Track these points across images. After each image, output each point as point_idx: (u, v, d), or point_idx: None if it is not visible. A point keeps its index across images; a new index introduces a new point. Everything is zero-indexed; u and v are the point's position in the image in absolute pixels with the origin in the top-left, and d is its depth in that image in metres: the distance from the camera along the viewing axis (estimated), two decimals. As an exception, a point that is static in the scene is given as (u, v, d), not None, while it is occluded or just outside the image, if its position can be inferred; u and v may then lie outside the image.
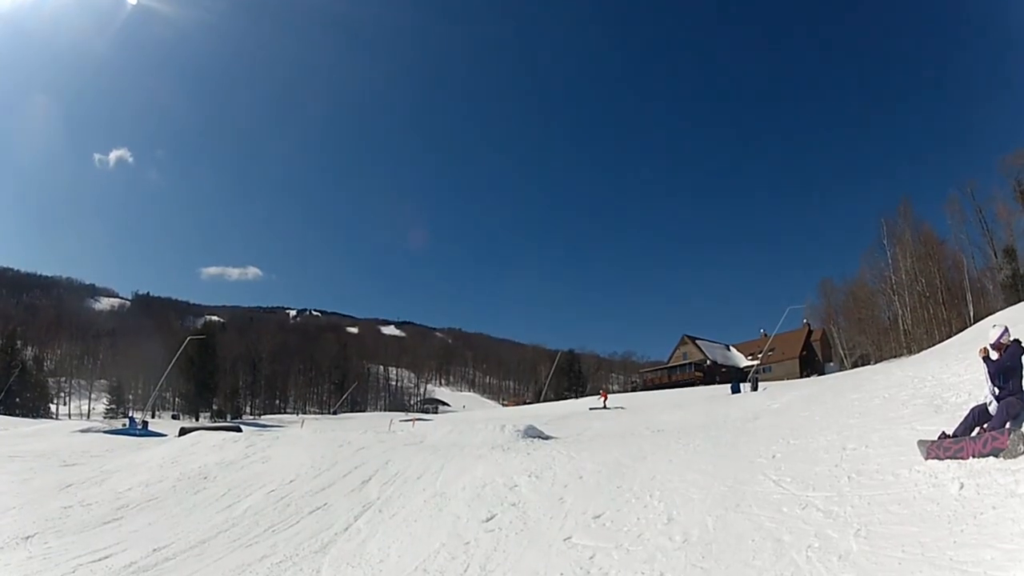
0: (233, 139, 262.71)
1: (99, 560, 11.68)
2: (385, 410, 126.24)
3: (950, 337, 40.99)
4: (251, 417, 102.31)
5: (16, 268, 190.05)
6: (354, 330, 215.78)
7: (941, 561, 5.75)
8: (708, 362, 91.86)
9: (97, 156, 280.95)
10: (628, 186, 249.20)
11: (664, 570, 7.46)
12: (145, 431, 46.58)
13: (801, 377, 71.24)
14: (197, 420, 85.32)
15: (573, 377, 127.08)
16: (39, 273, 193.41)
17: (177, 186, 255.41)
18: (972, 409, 8.29)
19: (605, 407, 42.27)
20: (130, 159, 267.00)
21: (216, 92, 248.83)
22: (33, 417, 79.12)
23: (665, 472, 11.34)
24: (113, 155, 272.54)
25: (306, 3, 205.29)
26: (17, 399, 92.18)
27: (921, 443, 8.49)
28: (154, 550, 12.19)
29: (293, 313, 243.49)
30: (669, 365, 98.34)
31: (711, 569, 7.11)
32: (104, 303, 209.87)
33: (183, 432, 32.87)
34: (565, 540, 9.36)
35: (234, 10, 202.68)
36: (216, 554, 11.91)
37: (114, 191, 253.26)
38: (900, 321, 63.99)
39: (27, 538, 13.17)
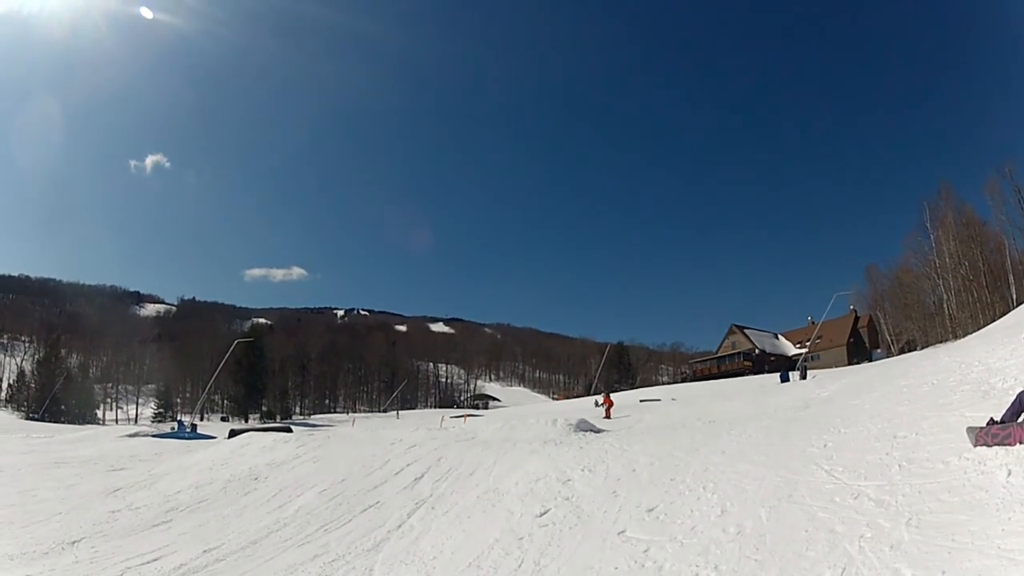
0: (270, 140, 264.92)
1: (148, 563, 11.75)
2: (436, 407, 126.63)
3: (994, 321, 40.48)
4: (301, 417, 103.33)
5: (58, 279, 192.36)
6: (403, 328, 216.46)
7: (990, 550, 5.76)
8: (757, 351, 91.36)
9: (133, 163, 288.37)
10: (672, 179, 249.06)
11: (718, 562, 7.45)
12: (194, 434, 46.81)
13: (849, 364, 70.47)
14: (247, 422, 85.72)
15: (623, 369, 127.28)
16: (82, 282, 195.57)
17: (216, 188, 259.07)
18: (1019, 395, 8.22)
19: (608, 416, 31.46)
20: (167, 164, 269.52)
21: (248, 97, 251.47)
22: (79, 424, 79.96)
23: (718, 464, 11.30)
24: (149, 160, 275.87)
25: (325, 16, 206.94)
26: (63, 406, 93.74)
27: (970, 430, 8.47)
28: (204, 551, 12.25)
29: (341, 313, 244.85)
30: (718, 355, 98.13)
31: (765, 561, 7.11)
32: (150, 309, 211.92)
33: (233, 434, 33.06)
34: (619, 534, 9.31)
35: (254, 22, 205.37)
36: (267, 554, 11.94)
37: (153, 197, 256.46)
38: (945, 305, 63.28)
39: (74, 543, 13.24)
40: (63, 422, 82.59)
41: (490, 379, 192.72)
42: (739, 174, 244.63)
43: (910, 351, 59.31)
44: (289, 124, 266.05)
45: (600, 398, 39.84)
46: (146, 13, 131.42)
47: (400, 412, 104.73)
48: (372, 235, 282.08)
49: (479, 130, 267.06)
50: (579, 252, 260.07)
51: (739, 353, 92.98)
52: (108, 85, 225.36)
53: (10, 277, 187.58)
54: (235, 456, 21.62)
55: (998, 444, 7.90)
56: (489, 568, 9.54)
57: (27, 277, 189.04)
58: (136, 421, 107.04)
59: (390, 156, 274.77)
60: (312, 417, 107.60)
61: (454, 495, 14.02)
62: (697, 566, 7.54)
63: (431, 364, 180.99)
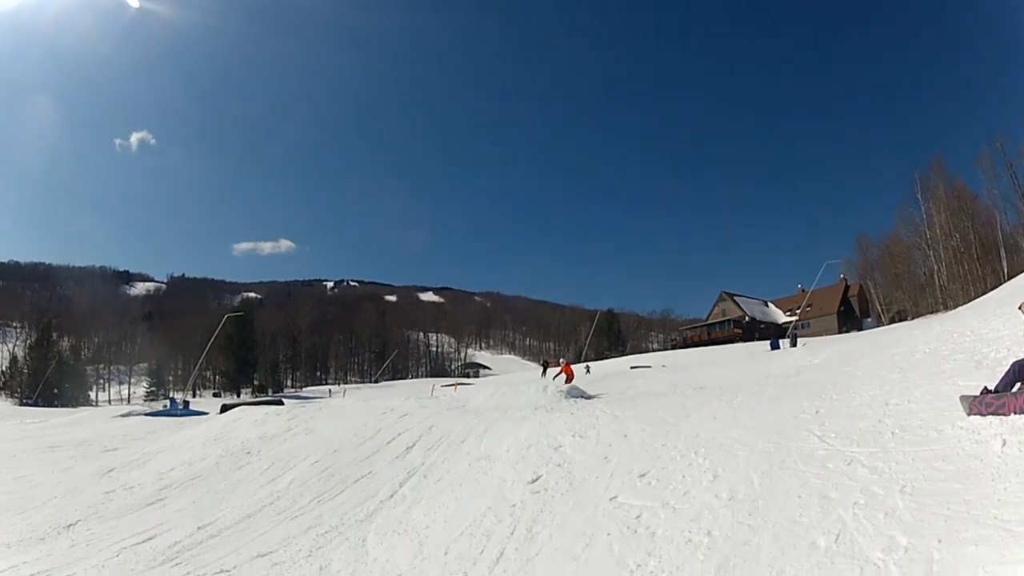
0: (254, 113, 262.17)
1: (143, 542, 11.90)
2: (426, 376, 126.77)
3: (985, 293, 40.76)
4: (293, 390, 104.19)
5: (47, 262, 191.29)
6: (392, 298, 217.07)
7: (986, 519, 5.77)
8: (747, 319, 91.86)
9: (118, 141, 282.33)
10: (662, 143, 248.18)
11: (711, 528, 7.49)
12: (186, 411, 47.58)
13: (839, 333, 70.88)
14: (238, 396, 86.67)
15: (613, 336, 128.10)
16: (71, 264, 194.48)
17: (202, 164, 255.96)
18: (1012, 364, 8.23)
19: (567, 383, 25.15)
20: (152, 141, 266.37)
21: (229, 74, 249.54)
22: (73, 406, 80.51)
23: (709, 429, 11.30)
24: (134, 138, 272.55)
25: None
26: (56, 390, 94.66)
27: (963, 399, 8.47)
28: (199, 528, 12.40)
29: (331, 284, 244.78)
30: (708, 322, 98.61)
31: (758, 526, 7.14)
32: (139, 288, 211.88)
33: (224, 409, 33.44)
34: (611, 500, 9.37)
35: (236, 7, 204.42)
36: (261, 528, 12.15)
37: (139, 174, 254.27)
38: (936, 277, 63.88)
39: (69, 526, 13.38)
40: (57, 406, 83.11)
41: (480, 348, 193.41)
42: (731, 142, 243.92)
43: (901, 321, 59.64)
44: (273, 98, 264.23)
45: (556, 369, 29.02)
46: (132, 2, 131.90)
47: (388, 382, 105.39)
48: (360, 205, 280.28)
49: (462, 95, 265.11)
50: (569, 219, 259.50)
51: (729, 320, 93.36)
52: (87, 65, 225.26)
53: (0, 263, 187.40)
54: (227, 431, 21.78)
55: (992, 413, 7.91)
56: (482, 535, 9.67)
57: (16, 263, 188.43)
58: (129, 401, 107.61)
59: (377, 125, 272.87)
60: (304, 389, 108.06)
61: (446, 463, 14.14)
62: (690, 532, 7.60)
63: (421, 334, 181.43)
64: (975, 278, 58.53)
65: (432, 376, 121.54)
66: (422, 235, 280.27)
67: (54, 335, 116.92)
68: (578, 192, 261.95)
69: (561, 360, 29.36)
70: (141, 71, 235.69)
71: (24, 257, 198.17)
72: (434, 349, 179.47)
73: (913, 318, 58.45)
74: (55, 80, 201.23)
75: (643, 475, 9.94)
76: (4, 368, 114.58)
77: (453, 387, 54.13)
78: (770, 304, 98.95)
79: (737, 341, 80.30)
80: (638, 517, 8.48)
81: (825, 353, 24.50)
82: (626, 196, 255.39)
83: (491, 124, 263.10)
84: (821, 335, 65.02)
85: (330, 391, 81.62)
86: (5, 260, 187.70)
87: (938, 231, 62.79)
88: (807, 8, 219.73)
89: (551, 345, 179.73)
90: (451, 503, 11.49)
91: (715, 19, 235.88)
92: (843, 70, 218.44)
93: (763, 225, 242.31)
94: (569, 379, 26.41)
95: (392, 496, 12.82)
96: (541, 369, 46.06)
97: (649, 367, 47.34)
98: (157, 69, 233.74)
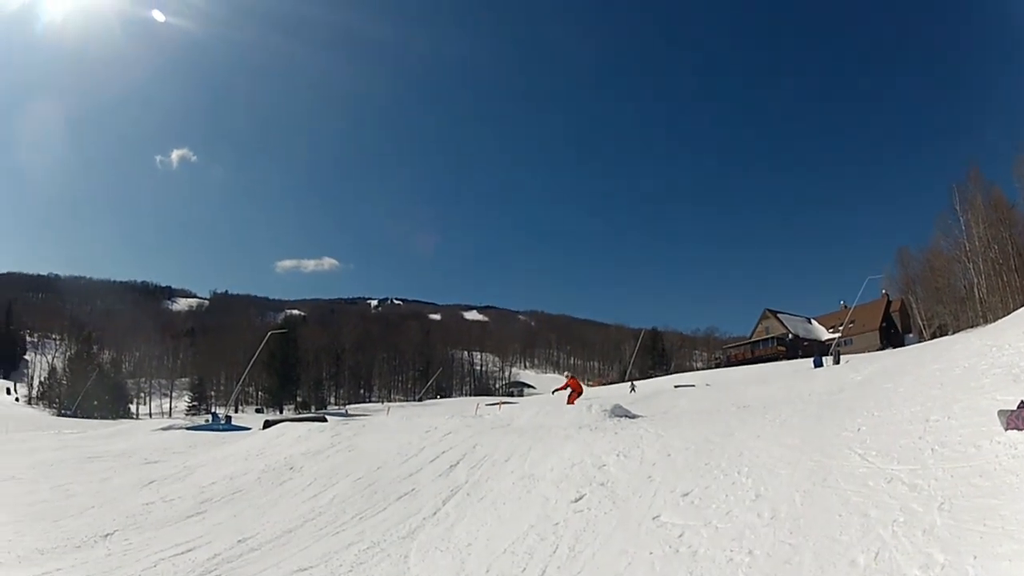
0: (295, 132, 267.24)
1: (181, 554, 11.88)
2: (471, 395, 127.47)
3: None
4: (336, 407, 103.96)
5: (88, 276, 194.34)
6: (437, 317, 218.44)
7: (1020, 534, 5.79)
8: (790, 336, 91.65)
9: (158, 158, 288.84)
10: (705, 162, 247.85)
11: (753, 547, 7.53)
12: (228, 426, 47.54)
13: (881, 349, 70.16)
14: (281, 413, 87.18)
15: (657, 355, 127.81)
16: (112, 279, 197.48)
17: (244, 180, 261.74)
18: None
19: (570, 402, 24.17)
20: (193, 158, 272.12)
21: (269, 93, 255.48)
22: (112, 419, 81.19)
23: (753, 448, 11.28)
24: (175, 155, 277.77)
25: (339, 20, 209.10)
26: (95, 402, 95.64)
27: (1001, 413, 8.46)
28: (238, 541, 12.38)
29: (374, 303, 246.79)
30: (752, 340, 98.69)
31: (799, 545, 7.18)
32: (182, 304, 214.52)
33: (267, 425, 33.47)
34: (654, 519, 9.34)
35: (264, 23, 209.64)
36: (302, 543, 12.07)
37: (181, 191, 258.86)
38: (976, 289, 63.10)
39: (106, 535, 13.37)
40: (96, 418, 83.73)
41: (524, 366, 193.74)
42: (771, 157, 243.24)
43: (942, 335, 59.02)
44: (314, 116, 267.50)
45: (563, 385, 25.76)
46: (158, 16, 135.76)
47: (432, 400, 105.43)
48: (404, 224, 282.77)
49: (508, 115, 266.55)
50: (613, 238, 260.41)
51: (773, 338, 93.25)
52: (126, 83, 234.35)
53: (39, 276, 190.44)
54: (270, 446, 21.76)
55: None
56: (524, 554, 9.58)
57: (56, 276, 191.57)
58: (170, 415, 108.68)
59: (417, 147, 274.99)
60: (347, 407, 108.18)
61: (489, 482, 13.97)
62: (731, 551, 7.62)
63: (465, 352, 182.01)
64: (1014, 290, 58.12)
65: (476, 395, 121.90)
66: (466, 253, 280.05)
67: (94, 348, 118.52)
68: (620, 213, 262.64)
69: (566, 374, 27.55)
70: (175, 84, 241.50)
71: (64, 271, 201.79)
72: (478, 368, 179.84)
73: (954, 332, 57.81)
74: (89, 95, 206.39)
75: (686, 494, 9.93)
76: (42, 379, 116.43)
77: (497, 406, 54.11)
78: (813, 321, 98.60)
79: (781, 359, 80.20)
80: (680, 536, 8.50)
81: (867, 370, 24.37)
82: (670, 213, 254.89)
83: (534, 148, 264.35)
84: (864, 352, 64.44)
85: (387, 408, 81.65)
86: (45, 273, 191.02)
87: (977, 243, 62.34)
88: (838, 26, 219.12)
89: (595, 364, 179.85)
90: (494, 521, 11.32)
91: (746, 40, 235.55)
92: (877, 83, 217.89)
93: (806, 241, 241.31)
94: (574, 394, 24.86)
95: (435, 514, 12.55)
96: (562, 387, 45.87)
97: (693, 386, 47.45)
98: (193, 85, 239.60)
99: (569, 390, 24.85)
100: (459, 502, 13.18)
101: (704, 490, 9.91)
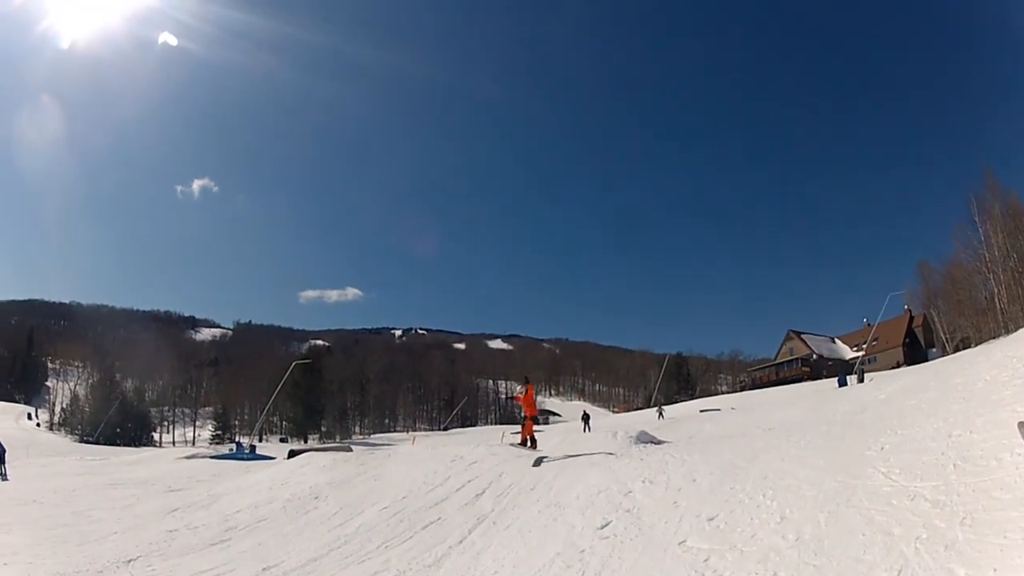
0: (316, 162, 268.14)
1: None
2: (496, 423, 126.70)
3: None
4: (361, 437, 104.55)
5: (111, 304, 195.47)
6: (461, 346, 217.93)
7: (1041, 547, 5.83)
8: (814, 356, 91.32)
9: (179, 188, 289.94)
10: (722, 185, 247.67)
11: (777, 569, 7.53)
12: (253, 455, 47.27)
13: (905, 365, 69.76)
14: (305, 443, 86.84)
15: (682, 380, 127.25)
16: (135, 308, 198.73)
17: (266, 210, 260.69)
18: None
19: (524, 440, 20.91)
20: (215, 188, 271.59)
21: (289, 122, 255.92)
22: (135, 446, 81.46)
23: (777, 471, 11.30)
24: (196, 185, 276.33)
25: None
26: (118, 429, 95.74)
27: (1021, 425, 8.48)
28: (263, 569, 12.46)
29: (399, 332, 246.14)
30: (776, 362, 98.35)
31: (823, 566, 7.19)
32: (205, 333, 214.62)
33: (292, 454, 33.38)
34: (680, 544, 9.34)
35: (276, 52, 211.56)
36: (327, 571, 12.19)
37: (203, 221, 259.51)
38: (996, 300, 62.49)
39: (129, 561, 13.43)
40: (118, 445, 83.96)
41: (550, 394, 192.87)
42: (788, 174, 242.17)
43: (965, 348, 58.55)
44: (334, 146, 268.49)
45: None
46: (169, 39, 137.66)
47: (457, 429, 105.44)
48: (427, 253, 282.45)
49: (528, 142, 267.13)
50: (635, 263, 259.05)
51: (797, 359, 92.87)
52: (144, 112, 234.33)
53: (61, 304, 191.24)
54: (295, 475, 21.81)
55: None
56: (550, 580, 9.58)
57: (78, 304, 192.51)
58: (193, 443, 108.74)
59: (440, 174, 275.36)
60: (372, 436, 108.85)
61: (515, 510, 14.04)
62: (756, 574, 7.63)
63: (491, 381, 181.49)
64: (1033, 298, 57.55)
65: (502, 423, 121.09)
66: (490, 281, 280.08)
67: (117, 376, 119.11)
68: (641, 237, 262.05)
69: (519, 390, 19.65)
70: (195, 116, 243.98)
71: (85, 299, 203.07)
72: (503, 396, 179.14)
73: (976, 344, 57.29)
74: (106, 122, 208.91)
75: (712, 519, 9.93)
76: (64, 405, 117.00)
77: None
78: (837, 340, 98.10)
79: (805, 379, 79.91)
80: (706, 561, 8.49)
81: (891, 387, 24.28)
82: (690, 237, 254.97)
83: (554, 175, 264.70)
84: (888, 369, 64.13)
85: (412, 437, 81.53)
86: (67, 301, 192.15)
87: (996, 252, 61.74)
88: (854, 31, 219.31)
89: (621, 391, 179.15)
90: (520, 549, 11.37)
91: (762, 54, 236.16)
92: (890, 93, 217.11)
93: (827, 259, 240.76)
94: (528, 410, 20.15)
95: (461, 542, 12.68)
96: (582, 424, 45.04)
97: (719, 410, 47.49)
98: (211, 114, 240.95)
99: (524, 415, 19.98)
100: (485, 531, 13.19)
101: (729, 514, 9.92)
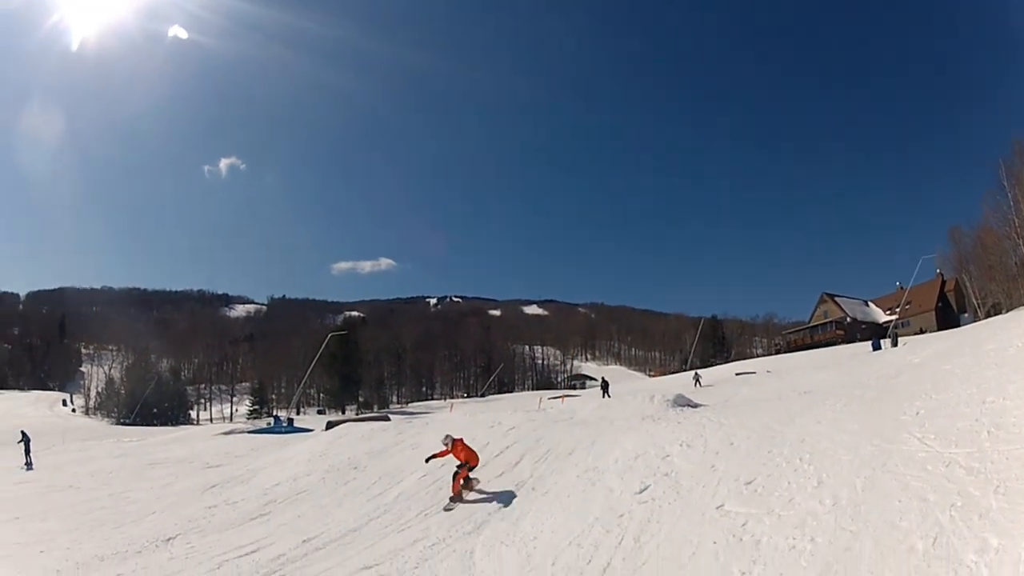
0: (344, 134, 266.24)
1: (245, 555, 12.22)
2: (533, 389, 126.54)
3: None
4: (398, 406, 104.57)
5: (143, 287, 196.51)
6: (496, 312, 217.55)
7: (1074, 514, 5.87)
8: (848, 319, 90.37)
9: (207, 167, 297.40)
10: (756, 149, 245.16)
11: (815, 534, 7.63)
12: (290, 428, 47.59)
13: (938, 330, 69.12)
14: (343, 414, 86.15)
15: (717, 343, 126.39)
16: (168, 289, 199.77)
17: (295, 185, 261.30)
18: None
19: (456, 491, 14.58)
20: (242, 166, 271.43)
21: (308, 101, 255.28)
22: (172, 425, 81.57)
23: (814, 434, 11.29)
24: (223, 163, 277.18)
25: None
26: (155, 409, 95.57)
27: None
28: (303, 541, 12.70)
29: (433, 301, 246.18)
30: (810, 325, 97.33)
31: (859, 532, 7.27)
32: (239, 310, 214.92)
33: (330, 426, 33.54)
34: (718, 508, 9.49)
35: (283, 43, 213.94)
36: (367, 541, 12.48)
37: (232, 198, 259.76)
38: (1026, 266, 61.48)
39: (168, 540, 13.63)
40: (155, 425, 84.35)
41: (586, 359, 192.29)
42: (823, 141, 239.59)
43: (996, 314, 57.82)
44: (357, 127, 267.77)
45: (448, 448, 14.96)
46: (180, 33, 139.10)
47: (494, 396, 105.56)
48: (459, 221, 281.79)
49: (559, 110, 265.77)
50: (670, 227, 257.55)
51: (831, 322, 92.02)
52: (159, 97, 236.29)
53: (92, 289, 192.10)
54: (333, 447, 21.97)
55: None
56: (590, 546, 9.85)
57: (110, 288, 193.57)
58: (231, 419, 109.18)
59: (470, 142, 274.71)
60: (409, 405, 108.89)
61: (554, 475, 14.23)
62: (794, 538, 7.74)
63: (527, 347, 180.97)
64: (1062, 265, 56.71)
65: (539, 389, 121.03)
66: (524, 247, 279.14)
67: (152, 357, 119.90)
68: (677, 202, 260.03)
69: (447, 440, 15.18)
70: (211, 99, 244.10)
71: (117, 283, 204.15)
72: (540, 362, 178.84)
73: (1007, 311, 56.60)
74: (128, 109, 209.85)
75: (749, 482, 10.03)
76: (99, 389, 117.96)
77: (560, 399, 53.93)
78: (870, 304, 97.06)
79: (839, 342, 79.15)
80: (744, 525, 8.63)
81: (925, 352, 24.16)
82: (726, 201, 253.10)
83: (584, 144, 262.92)
84: (921, 333, 63.66)
85: (450, 405, 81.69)
86: (98, 286, 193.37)
87: (1025, 218, 60.66)
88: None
89: (656, 354, 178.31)
90: (559, 514, 11.56)
91: (798, 28, 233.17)
92: (927, 61, 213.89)
93: (861, 223, 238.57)
94: (464, 469, 14.57)
95: (500, 508, 12.99)
96: (601, 392, 44.01)
97: (754, 373, 47.21)
98: (229, 97, 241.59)
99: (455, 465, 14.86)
100: (524, 496, 13.39)
101: (767, 478, 9.98)
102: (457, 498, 14.07)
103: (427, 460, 15.31)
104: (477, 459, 14.78)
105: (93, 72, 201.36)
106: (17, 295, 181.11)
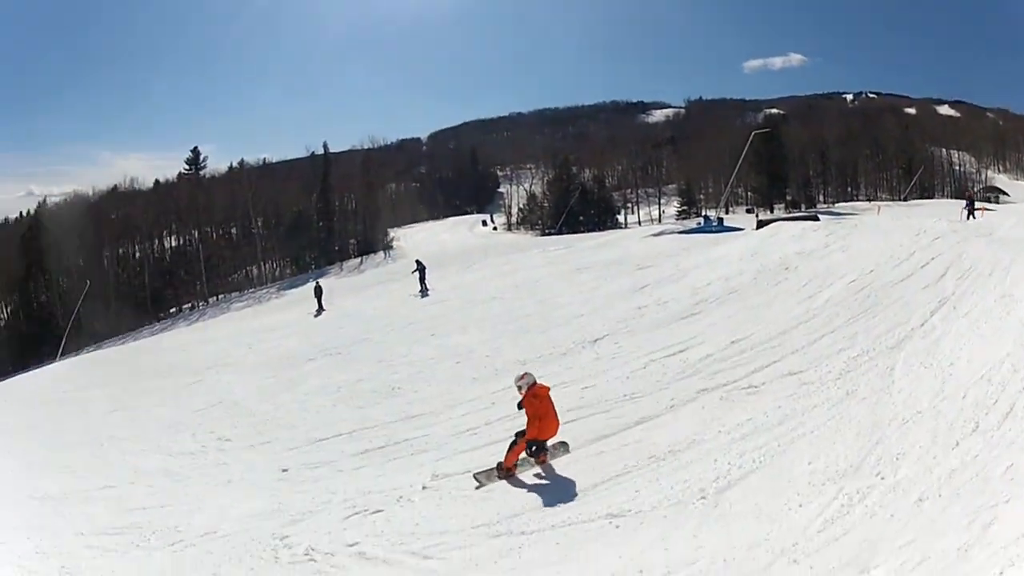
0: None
1: (672, 355, 12.80)
2: (950, 197, 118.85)
3: None
4: (825, 206, 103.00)
5: (553, 106, 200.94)
6: (911, 111, 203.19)
7: None
8: None
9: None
10: None
11: None
12: (721, 227, 47.88)
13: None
14: (772, 212, 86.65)
15: None
16: (580, 104, 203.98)
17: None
18: None
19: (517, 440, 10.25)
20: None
21: None
22: (600, 231, 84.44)
23: None
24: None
25: None
26: (581, 218, 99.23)
27: None
28: (732, 342, 13.11)
29: (850, 97, 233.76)
30: None
31: None
32: (657, 115, 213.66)
33: (760, 225, 34.24)
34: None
35: None
36: (793, 345, 12.74)
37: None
38: None
39: (595, 341, 14.46)
40: (582, 232, 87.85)
41: (998, 170, 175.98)
42: None
43: None
44: None
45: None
46: None
47: (915, 200, 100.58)
48: (869, 4, 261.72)
49: None
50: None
51: None
52: None
53: (500, 118, 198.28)
54: (764, 246, 22.13)
55: None
56: (997, 384, 9.13)
57: (518, 113, 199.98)
58: (659, 221, 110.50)
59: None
60: (835, 206, 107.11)
61: (974, 296, 13.34)
62: None
63: (943, 150, 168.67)
64: None
65: (954, 198, 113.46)
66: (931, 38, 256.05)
67: (572, 169, 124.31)
68: None
69: (522, 382, 10.19)
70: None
71: (526, 107, 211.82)
72: (956, 168, 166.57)
73: None
74: None
75: None
76: (521, 206, 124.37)
77: (980, 212, 50.52)
78: None
79: None
80: None
81: None
82: None
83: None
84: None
85: (877, 208, 78.80)
86: (505, 114, 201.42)
87: None
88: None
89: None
90: (975, 340, 10.91)
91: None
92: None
93: None
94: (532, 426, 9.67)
95: (923, 325, 12.44)
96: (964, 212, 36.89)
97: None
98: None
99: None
100: (945, 315, 12.78)
101: None
102: (504, 473, 10.01)
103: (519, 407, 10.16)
104: (554, 428, 10.01)
105: None
106: (419, 139, 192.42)
